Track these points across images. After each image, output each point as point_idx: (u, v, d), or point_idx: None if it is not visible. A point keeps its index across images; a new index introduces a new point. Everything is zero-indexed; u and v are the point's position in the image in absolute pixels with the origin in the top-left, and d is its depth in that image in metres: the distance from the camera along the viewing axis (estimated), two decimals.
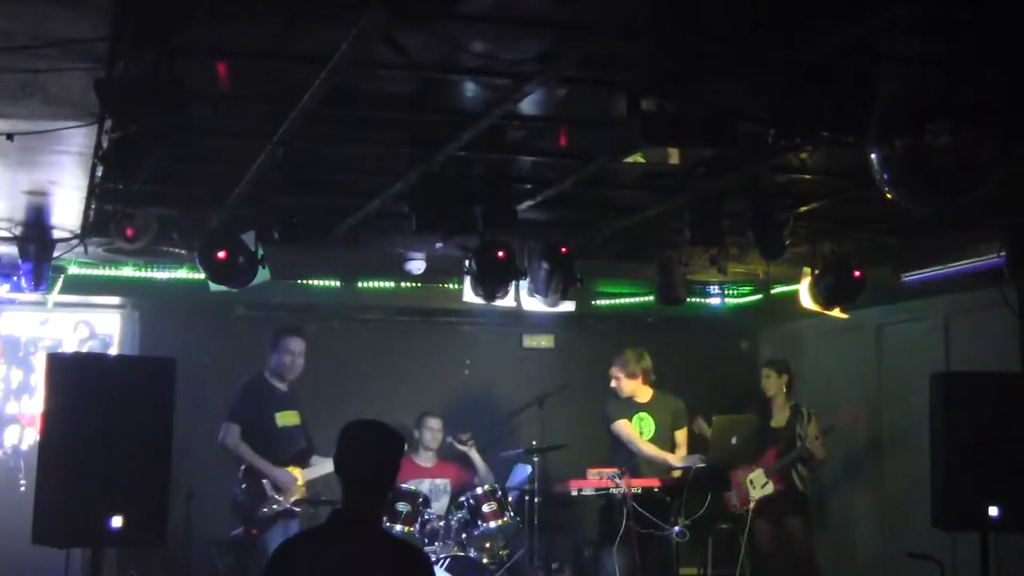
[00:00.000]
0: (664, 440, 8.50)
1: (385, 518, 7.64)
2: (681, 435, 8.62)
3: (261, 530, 7.52)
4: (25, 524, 5.42)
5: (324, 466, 7.71)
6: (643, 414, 8.53)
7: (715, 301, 10.18)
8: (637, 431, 8.45)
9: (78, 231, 7.38)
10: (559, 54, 4.28)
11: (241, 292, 7.26)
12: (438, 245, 7.65)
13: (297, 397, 8.14)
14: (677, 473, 8.23)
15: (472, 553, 7.92)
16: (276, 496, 7.59)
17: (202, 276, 7.16)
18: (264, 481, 7.61)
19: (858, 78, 4.28)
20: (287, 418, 7.95)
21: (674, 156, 5.34)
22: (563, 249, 7.31)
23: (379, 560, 3.52)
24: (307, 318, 9.65)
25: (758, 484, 8.55)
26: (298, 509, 7.66)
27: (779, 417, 8.78)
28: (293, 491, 7.67)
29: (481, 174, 6.28)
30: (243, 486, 7.60)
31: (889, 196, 3.89)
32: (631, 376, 8.53)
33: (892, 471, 8.92)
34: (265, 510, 7.55)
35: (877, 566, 9.07)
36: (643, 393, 8.58)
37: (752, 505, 8.50)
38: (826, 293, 7.51)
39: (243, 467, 7.64)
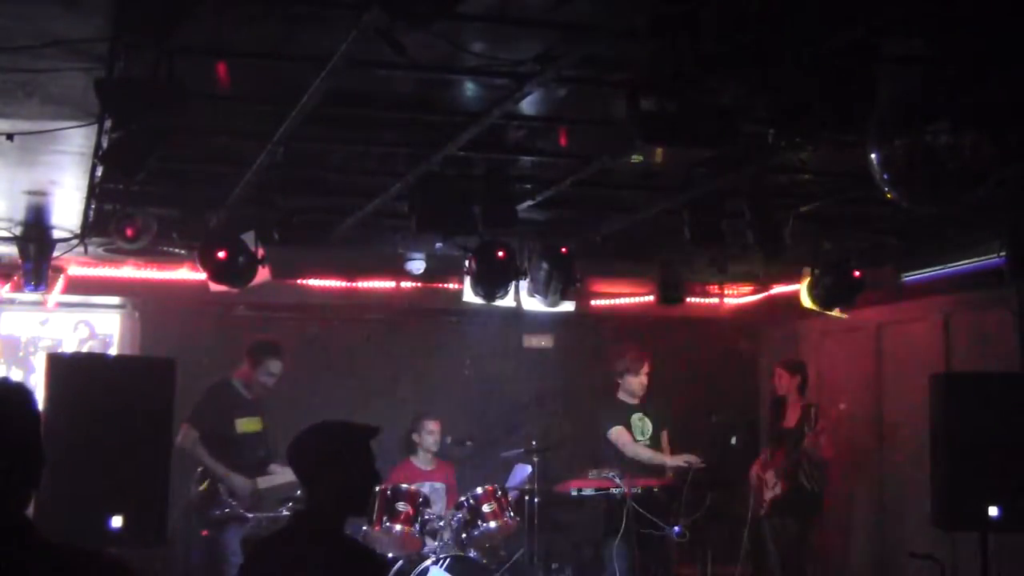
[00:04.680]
0: (659, 439, 8.48)
1: (385, 517, 7.65)
2: (665, 435, 8.56)
3: (212, 532, 7.46)
4: None
5: (284, 475, 7.49)
6: (640, 414, 8.48)
7: (715, 301, 10.19)
8: (638, 431, 8.41)
9: (78, 231, 7.37)
10: (559, 54, 4.28)
11: (241, 292, 7.25)
12: (438, 245, 7.65)
13: (261, 404, 8.01)
14: (670, 474, 8.22)
15: (472, 553, 7.91)
16: (229, 500, 7.50)
17: (202, 276, 7.16)
18: (219, 485, 7.54)
19: (858, 78, 4.27)
20: (247, 425, 7.86)
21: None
22: (563, 249, 7.31)
23: (327, 561, 3.47)
24: (307, 318, 9.67)
25: (770, 484, 8.53)
26: (251, 515, 7.45)
27: (790, 417, 8.75)
28: (246, 497, 7.57)
29: (481, 174, 6.27)
30: (199, 488, 7.56)
31: (889, 196, 3.89)
32: (637, 374, 8.48)
33: (892, 471, 8.92)
34: (217, 512, 7.47)
35: (877, 566, 9.06)
36: (641, 392, 8.55)
37: (765, 505, 8.51)
38: (826, 293, 7.51)
39: (200, 469, 7.59)
